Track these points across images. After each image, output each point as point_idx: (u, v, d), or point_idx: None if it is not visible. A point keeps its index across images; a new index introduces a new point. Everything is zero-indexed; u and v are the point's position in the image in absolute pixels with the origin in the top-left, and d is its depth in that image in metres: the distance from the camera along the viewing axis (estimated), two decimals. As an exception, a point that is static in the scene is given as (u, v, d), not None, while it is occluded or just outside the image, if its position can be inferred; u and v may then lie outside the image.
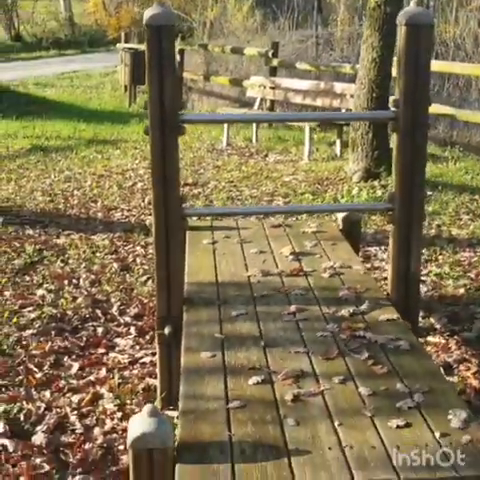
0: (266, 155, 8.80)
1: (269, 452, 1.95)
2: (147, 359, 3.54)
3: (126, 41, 16.30)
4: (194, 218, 4.96)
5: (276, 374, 2.39)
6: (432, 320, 4.03)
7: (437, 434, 2.01)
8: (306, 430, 2.06)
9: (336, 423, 2.09)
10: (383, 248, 5.22)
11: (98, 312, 4.14)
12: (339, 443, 2.00)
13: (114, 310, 4.16)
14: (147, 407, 1.91)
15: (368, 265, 4.90)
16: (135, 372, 3.43)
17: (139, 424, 1.88)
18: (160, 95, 2.76)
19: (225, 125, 9.40)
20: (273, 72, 10.97)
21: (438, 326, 3.96)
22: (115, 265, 4.86)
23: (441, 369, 3.42)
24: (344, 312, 2.91)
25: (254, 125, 9.71)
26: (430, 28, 2.89)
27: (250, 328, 2.77)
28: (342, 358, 2.51)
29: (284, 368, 2.42)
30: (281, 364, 2.47)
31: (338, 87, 8.82)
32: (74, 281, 4.61)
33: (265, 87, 9.97)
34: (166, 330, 2.95)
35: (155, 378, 3.26)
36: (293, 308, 2.95)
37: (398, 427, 2.06)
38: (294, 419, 2.11)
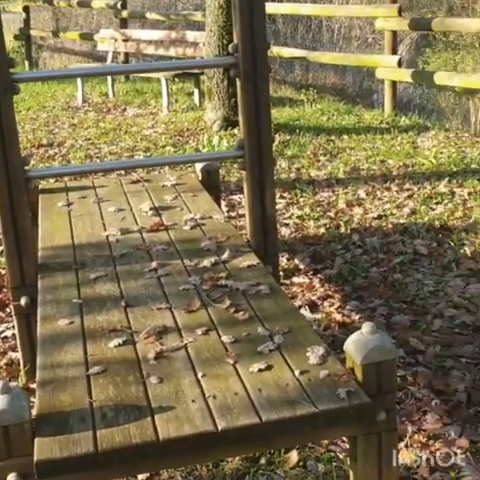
0: (124, 109, 8.60)
1: (131, 413, 1.91)
2: (9, 333, 3.40)
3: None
4: (51, 180, 4.80)
5: (138, 333, 2.34)
6: (296, 261, 4.12)
7: (297, 372, 2.05)
8: (169, 386, 2.04)
9: (199, 375, 2.08)
10: (246, 195, 5.25)
11: None
12: (203, 394, 1.99)
13: (-31, 286, 3.96)
14: (-3, 384, 1.82)
15: (233, 213, 4.93)
16: (-3, 347, 3.30)
17: (-10, 403, 1.79)
18: (-13, 53, 2.58)
19: (79, 81, 9.07)
20: (124, 24, 10.67)
21: (302, 266, 4.05)
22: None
23: (307, 308, 3.52)
24: (206, 263, 2.89)
25: (110, 79, 9.45)
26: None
27: (110, 289, 2.70)
28: (205, 309, 2.50)
29: (146, 326, 2.38)
30: (143, 323, 2.42)
31: (190, 36, 8.71)
32: None
33: (116, 40, 9.68)
34: (22, 301, 2.83)
35: (18, 351, 3.13)
36: (154, 264, 2.90)
37: (260, 370, 2.08)
38: (157, 376, 2.08)
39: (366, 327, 2.01)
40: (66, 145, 6.79)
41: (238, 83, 2.96)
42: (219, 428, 1.84)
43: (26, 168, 2.80)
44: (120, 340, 2.29)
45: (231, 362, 2.14)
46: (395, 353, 1.99)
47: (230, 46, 2.93)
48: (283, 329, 2.31)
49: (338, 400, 1.91)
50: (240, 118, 3.01)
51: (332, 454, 2.46)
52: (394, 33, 7.54)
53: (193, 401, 1.96)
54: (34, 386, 2.84)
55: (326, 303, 3.61)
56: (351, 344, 2.02)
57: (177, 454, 1.86)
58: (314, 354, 2.13)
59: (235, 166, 5.91)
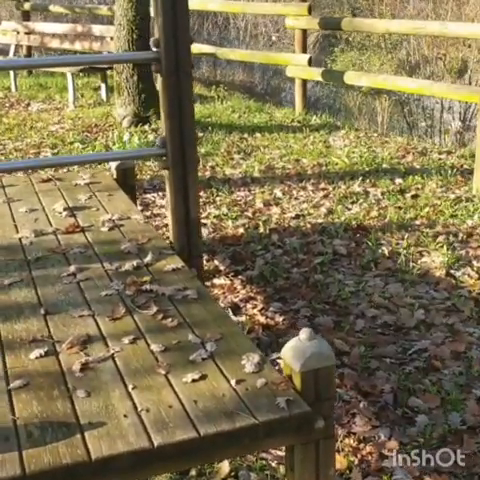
0: (28, 104, 8.27)
1: (59, 431, 1.78)
2: None
3: None
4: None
5: (60, 343, 2.20)
6: (216, 262, 4.04)
7: (233, 382, 1.97)
8: (98, 400, 1.92)
9: (130, 387, 1.97)
10: (161, 194, 5.14)
11: None
12: (135, 408, 1.88)
13: None
14: None
15: (148, 213, 4.80)
16: None
17: None
18: None
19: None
20: (26, 16, 10.29)
21: (222, 268, 3.98)
22: None
23: (229, 310, 3.45)
24: (128, 266, 2.77)
25: (12, 73, 9.06)
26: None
27: (27, 296, 2.54)
28: (130, 316, 2.39)
29: (69, 335, 2.24)
30: (65, 331, 2.28)
31: (96, 29, 8.48)
32: None
33: (18, 33, 9.31)
34: None
35: None
36: (73, 268, 2.75)
37: (193, 381, 1.99)
38: (84, 390, 1.95)
39: (304, 333, 1.96)
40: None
41: (159, 79, 2.85)
42: (155, 444, 1.75)
43: None
44: (41, 351, 2.15)
45: (163, 372, 2.04)
46: (333, 359, 1.95)
47: (151, 40, 2.82)
48: (215, 336, 2.23)
49: (278, 410, 1.85)
50: (162, 115, 2.90)
51: (264, 462, 2.40)
52: (304, 32, 7.58)
53: (125, 416, 1.85)
54: None
55: (249, 305, 3.55)
56: (289, 351, 1.96)
57: (110, 473, 1.75)
58: (249, 362, 2.07)
59: (147, 164, 5.79)
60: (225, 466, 2.37)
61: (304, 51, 7.65)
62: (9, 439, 1.75)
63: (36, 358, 2.12)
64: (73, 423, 1.82)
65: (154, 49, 2.84)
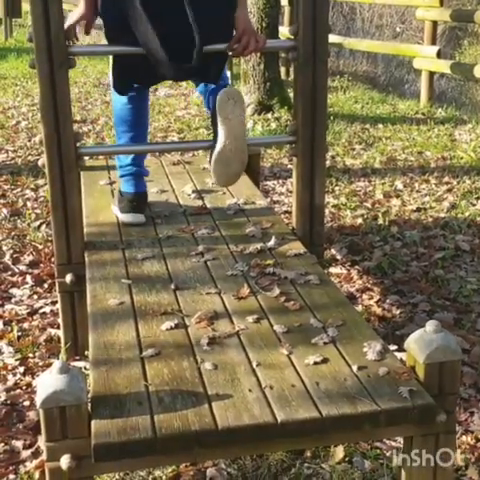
0: (156, 89, 8.52)
1: (188, 399, 1.88)
2: (47, 309, 3.37)
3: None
4: (86, 158, 4.74)
5: (189, 317, 2.31)
6: (333, 251, 4.06)
7: (354, 368, 2.01)
8: (225, 373, 2.00)
9: (254, 363, 2.04)
10: (281, 182, 5.20)
11: (-12, 262, 3.91)
12: (259, 384, 1.95)
13: (7, 259, 3.92)
14: (56, 364, 1.78)
15: (267, 200, 4.87)
16: (35, 323, 3.26)
17: (49, 382, 1.75)
18: (46, 26, 2.53)
19: (111, 58, 8.99)
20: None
21: (339, 257, 4.00)
22: (4, 211, 4.58)
23: (346, 299, 3.47)
24: (252, 249, 2.85)
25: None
26: None
27: (158, 271, 2.67)
28: (254, 296, 2.46)
29: (197, 310, 2.35)
30: (193, 306, 2.39)
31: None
32: (-40, 230, 4.32)
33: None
34: (67, 278, 2.80)
35: (58, 328, 3.11)
36: (201, 248, 2.86)
37: (315, 363, 2.04)
38: (211, 363, 2.04)
39: (430, 325, 1.96)
40: (100, 122, 6.74)
41: (295, 68, 2.90)
42: (278, 420, 1.81)
43: (77, 145, 2.76)
44: (172, 323, 2.26)
45: (285, 353, 2.10)
46: (460, 354, 1.94)
47: (289, 29, 2.86)
48: (336, 322, 2.27)
49: (400, 399, 1.87)
50: (294, 102, 2.95)
51: (378, 451, 2.42)
52: (434, 23, 7.41)
53: (250, 390, 1.92)
54: (75, 364, 2.84)
55: (365, 296, 3.56)
56: (413, 342, 1.97)
57: (234, 444, 1.83)
58: (371, 350, 2.09)
59: (269, 152, 5.86)
60: (340, 451, 2.40)
61: (433, 43, 7.49)
62: (142, 403, 1.86)
63: (167, 330, 2.23)
64: (201, 393, 1.91)
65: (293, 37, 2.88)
